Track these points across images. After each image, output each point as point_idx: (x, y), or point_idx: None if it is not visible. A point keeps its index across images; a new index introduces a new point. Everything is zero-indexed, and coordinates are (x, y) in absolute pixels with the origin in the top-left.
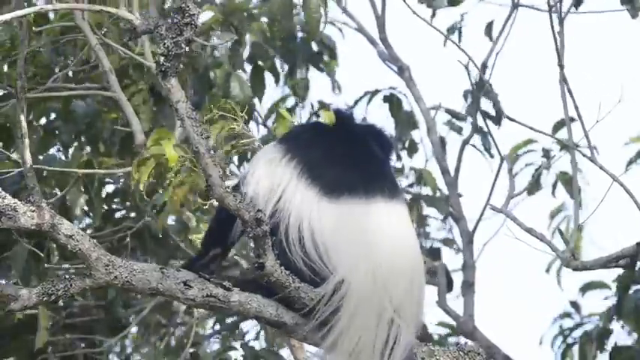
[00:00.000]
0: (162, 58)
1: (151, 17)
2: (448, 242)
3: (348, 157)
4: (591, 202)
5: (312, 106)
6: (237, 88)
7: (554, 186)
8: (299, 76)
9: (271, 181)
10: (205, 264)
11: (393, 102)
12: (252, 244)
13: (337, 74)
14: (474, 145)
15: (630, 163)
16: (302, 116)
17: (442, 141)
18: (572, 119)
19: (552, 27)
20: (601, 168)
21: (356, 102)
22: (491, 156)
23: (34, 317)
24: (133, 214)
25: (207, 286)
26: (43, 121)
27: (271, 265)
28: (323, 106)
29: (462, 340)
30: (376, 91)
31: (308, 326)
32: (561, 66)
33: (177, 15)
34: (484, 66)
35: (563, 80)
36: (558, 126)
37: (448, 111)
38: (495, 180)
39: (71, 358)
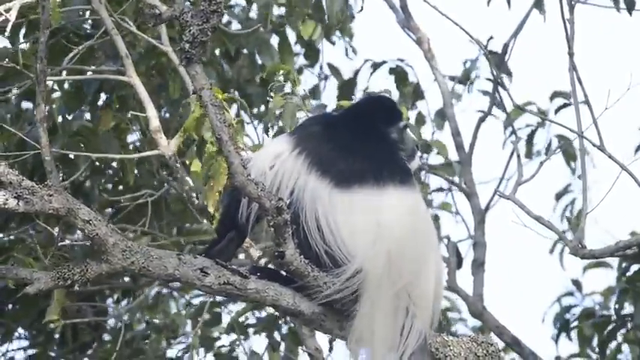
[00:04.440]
0: (187, 45)
1: (176, 3)
2: (446, 206)
3: (357, 145)
4: (599, 190)
5: (321, 68)
6: (268, 57)
7: (548, 147)
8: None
9: (280, 174)
10: (222, 249)
11: (398, 74)
12: (272, 233)
13: (355, 40)
14: (494, 116)
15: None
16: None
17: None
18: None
19: (562, 15)
20: (610, 157)
21: (356, 72)
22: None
23: None
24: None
25: (224, 273)
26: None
27: (291, 254)
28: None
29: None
30: (383, 62)
31: (325, 315)
32: (571, 54)
33: (204, 2)
34: (505, 46)
35: (573, 68)
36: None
37: (451, 78)
38: (509, 161)
39: (79, 324)
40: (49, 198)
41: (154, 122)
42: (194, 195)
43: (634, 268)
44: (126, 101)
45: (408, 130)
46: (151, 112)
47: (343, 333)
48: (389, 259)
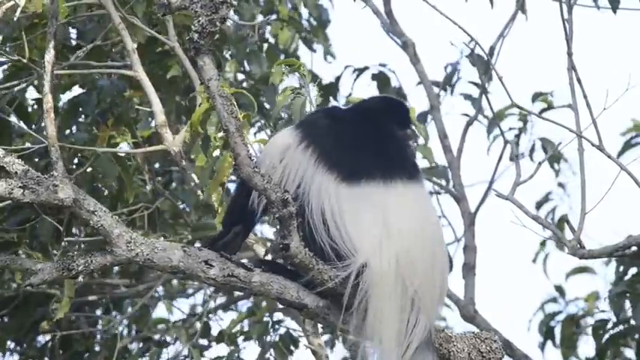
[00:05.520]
0: (196, 36)
1: None
2: None
3: (365, 140)
4: (594, 190)
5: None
6: (256, 65)
7: (532, 150)
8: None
9: (288, 167)
10: (227, 242)
11: (381, 79)
12: (277, 225)
13: (339, 45)
14: (480, 122)
15: (621, 153)
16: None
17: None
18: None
19: (562, 14)
20: (609, 156)
21: (337, 78)
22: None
23: (33, 295)
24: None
25: (228, 265)
26: (65, 99)
27: (296, 247)
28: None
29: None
30: (365, 68)
31: (329, 309)
32: (570, 54)
33: None
34: (491, 49)
35: (572, 68)
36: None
37: (434, 83)
38: (498, 163)
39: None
40: (54, 188)
41: (160, 117)
42: (199, 191)
43: (632, 270)
44: (122, 118)
45: (413, 138)
46: (157, 106)
47: (347, 327)
48: (396, 255)
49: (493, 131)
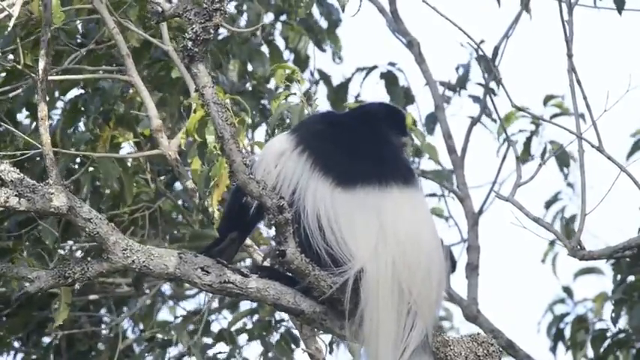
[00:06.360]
0: (189, 43)
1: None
2: (438, 211)
3: (361, 145)
4: (597, 191)
5: (312, 74)
6: (259, 64)
7: (543, 153)
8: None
9: (283, 173)
10: (223, 248)
11: (389, 79)
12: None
13: (345, 43)
14: (483, 124)
15: (630, 154)
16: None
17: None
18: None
19: (561, 16)
20: (609, 158)
21: (349, 79)
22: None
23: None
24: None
25: (224, 272)
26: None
27: (292, 253)
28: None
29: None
30: (373, 67)
31: (326, 314)
32: (570, 55)
33: (207, 0)
34: (495, 49)
35: (572, 70)
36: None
37: (442, 83)
38: (502, 164)
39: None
40: (50, 196)
41: (155, 122)
42: (195, 195)
43: (631, 277)
44: (123, 119)
45: (409, 145)
46: (152, 111)
47: (344, 332)
48: (392, 259)
49: (502, 132)
